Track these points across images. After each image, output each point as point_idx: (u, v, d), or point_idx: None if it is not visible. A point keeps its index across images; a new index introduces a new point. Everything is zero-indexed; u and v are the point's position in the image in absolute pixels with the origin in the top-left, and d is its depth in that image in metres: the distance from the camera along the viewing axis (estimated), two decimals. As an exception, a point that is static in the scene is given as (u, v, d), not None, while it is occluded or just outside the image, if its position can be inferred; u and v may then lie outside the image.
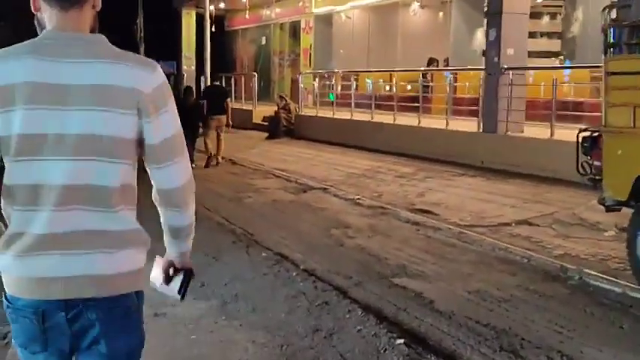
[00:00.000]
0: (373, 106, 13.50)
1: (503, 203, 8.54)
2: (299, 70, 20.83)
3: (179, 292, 2.08)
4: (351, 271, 5.90)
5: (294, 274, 5.73)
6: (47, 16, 1.82)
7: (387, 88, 15.80)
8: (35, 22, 1.89)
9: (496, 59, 10.19)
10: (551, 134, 9.49)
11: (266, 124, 18.29)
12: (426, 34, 17.26)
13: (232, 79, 20.71)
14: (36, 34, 1.87)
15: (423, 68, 14.40)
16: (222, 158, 13.77)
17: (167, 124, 1.87)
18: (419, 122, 12.24)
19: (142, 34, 24.64)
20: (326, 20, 19.43)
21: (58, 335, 1.81)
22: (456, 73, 13.63)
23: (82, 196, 1.78)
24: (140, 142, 1.85)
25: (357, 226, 7.88)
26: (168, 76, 16.89)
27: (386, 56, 17.27)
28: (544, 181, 9.22)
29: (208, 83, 19.50)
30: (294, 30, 21.88)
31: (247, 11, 21.89)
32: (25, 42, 1.80)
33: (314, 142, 15.18)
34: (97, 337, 1.82)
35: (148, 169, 1.93)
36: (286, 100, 17.08)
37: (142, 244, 1.91)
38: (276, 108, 17.84)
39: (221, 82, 20.70)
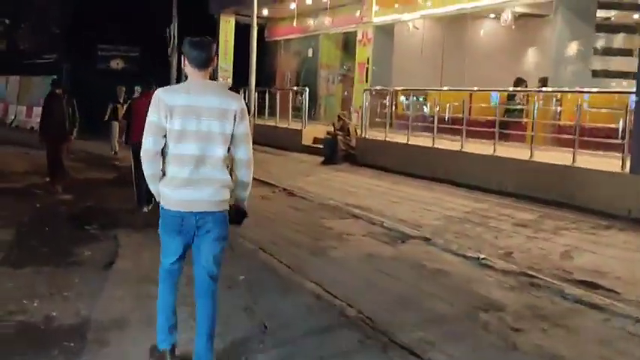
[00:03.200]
0: (465, 132, 11.22)
1: (701, 278, 6.24)
2: (351, 87, 18.70)
3: (236, 222, 4.03)
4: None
5: None
6: (189, 71, 3.81)
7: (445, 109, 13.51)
8: (183, 72, 3.92)
9: (655, 80, 7.93)
10: None
11: (317, 146, 16.09)
12: (512, 50, 15.03)
13: (277, 95, 18.51)
14: None
15: (539, 89, 11.95)
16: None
17: (244, 126, 3.84)
18: (531, 155, 9.94)
19: (176, 43, 22.53)
20: (387, 31, 17.26)
21: (188, 228, 3.80)
22: (560, 97, 11.38)
23: (206, 160, 3.76)
24: (232, 135, 3.80)
25: (511, 307, 5.61)
26: (232, 88, 14.89)
27: (463, 75, 15.04)
28: None
29: (252, 99, 17.41)
30: (347, 41, 19.73)
31: (295, 19, 19.73)
32: (180, 84, 3.93)
33: (382, 172, 12.94)
34: (210, 228, 3.81)
35: (232, 149, 3.85)
36: (344, 120, 14.85)
37: (230, 186, 3.86)
38: (331, 128, 15.64)
39: (263, 97, 18.68)
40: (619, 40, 12.97)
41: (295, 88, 20.11)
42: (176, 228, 3.80)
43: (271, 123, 18.27)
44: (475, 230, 8.45)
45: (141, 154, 3.82)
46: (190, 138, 3.70)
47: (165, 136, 3.73)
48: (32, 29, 29.73)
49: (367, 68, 17.35)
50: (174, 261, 3.93)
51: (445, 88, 14.06)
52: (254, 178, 12.76)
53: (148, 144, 3.77)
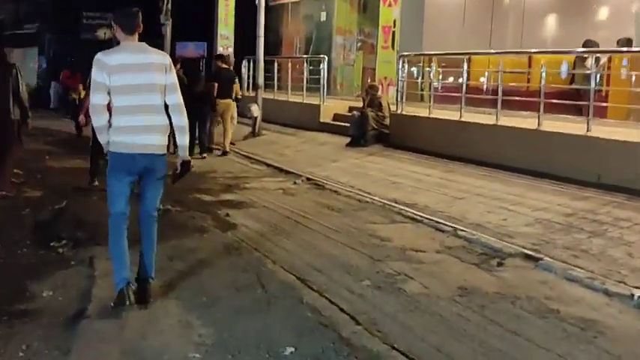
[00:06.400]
0: (542, 106, 8.77)
1: None
2: (373, 54, 16.21)
3: (182, 174, 4.67)
4: None
5: None
6: (121, 36, 4.42)
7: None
8: (113, 39, 4.63)
9: None
10: None
11: (338, 123, 13.70)
12: (579, 8, 12.54)
13: (288, 65, 15.99)
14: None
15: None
16: (232, 144, 12.99)
17: (173, 77, 4.51)
18: (645, 136, 7.54)
19: (170, 8, 19.93)
20: (416, -12, 14.72)
21: (136, 167, 4.40)
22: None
23: (147, 109, 4.38)
24: (165, 85, 4.46)
25: None
26: (196, 60, 12.62)
27: (518, 38, 12.56)
28: None
29: (260, 70, 14.97)
30: (367, 2, 17.20)
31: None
32: (115, 47, 4.47)
33: (425, 156, 10.52)
34: (154, 167, 4.45)
35: (166, 97, 4.47)
36: (375, 93, 12.39)
37: (168, 131, 4.54)
38: (354, 103, 13.25)
39: (271, 68, 16.27)
40: None
41: (305, 56, 17.60)
42: (126, 168, 4.40)
43: (282, 97, 15.82)
44: (593, 243, 6.07)
45: (89, 110, 4.47)
46: (131, 91, 4.35)
47: (109, 92, 4.35)
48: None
49: (393, 32, 14.82)
50: (123, 205, 4.45)
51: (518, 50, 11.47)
52: (268, 165, 10.24)
53: (96, 100, 4.38)
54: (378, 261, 5.73)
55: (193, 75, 12.49)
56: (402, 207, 7.81)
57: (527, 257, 5.78)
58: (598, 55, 9.63)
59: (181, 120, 4.54)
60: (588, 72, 8.73)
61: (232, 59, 13.68)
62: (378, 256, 5.88)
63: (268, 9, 19.53)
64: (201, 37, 22.07)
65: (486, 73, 12.66)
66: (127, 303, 4.35)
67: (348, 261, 5.71)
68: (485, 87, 12.87)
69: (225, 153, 12.43)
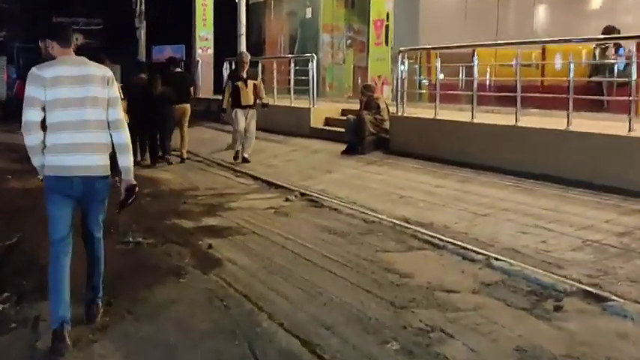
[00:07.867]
0: (571, 104, 7.58)
1: None
2: (363, 51, 15.05)
3: (127, 201, 4.17)
4: None
5: None
6: (57, 51, 4.02)
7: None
8: (45, 53, 4.07)
9: None
10: None
11: (330, 129, 12.49)
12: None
13: (273, 66, 14.73)
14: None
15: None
16: (187, 154, 12.28)
17: (114, 91, 4.10)
18: None
19: (143, 9, 18.65)
20: (410, -22, 13.56)
21: (74, 191, 3.97)
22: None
23: (87, 125, 3.96)
24: (107, 99, 4.06)
25: None
26: (175, 62, 11.12)
27: (531, 27, 11.40)
28: None
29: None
30: (353, -4, 16.05)
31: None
32: (51, 61, 4.00)
33: (432, 163, 9.31)
34: (94, 191, 4.04)
35: (107, 112, 4.04)
36: (371, 94, 11.18)
37: (109, 150, 4.08)
38: (347, 105, 12.06)
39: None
40: None
41: (292, 56, 16.38)
42: (63, 193, 3.98)
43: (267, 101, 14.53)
44: (666, 275, 4.89)
45: (22, 128, 3.95)
46: (67, 105, 3.92)
47: (43, 108, 3.92)
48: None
49: (387, 26, 13.65)
50: (65, 231, 4.03)
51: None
52: (255, 177, 8.99)
53: (29, 116, 3.92)
54: (401, 309, 4.52)
55: (152, 77, 11.64)
56: (417, 228, 6.63)
57: (589, 295, 4.60)
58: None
59: (122, 137, 4.12)
60: (627, 62, 7.57)
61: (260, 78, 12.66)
62: (401, 301, 4.68)
63: (249, 7, 18.36)
64: (179, 40, 20.79)
65: (488, 68, 11.57)
66: (62, 348, 3.78)
67: (365, 311, 4.49)
68: (488, 83, 11.76)
69: (183, 160, 12.07)
